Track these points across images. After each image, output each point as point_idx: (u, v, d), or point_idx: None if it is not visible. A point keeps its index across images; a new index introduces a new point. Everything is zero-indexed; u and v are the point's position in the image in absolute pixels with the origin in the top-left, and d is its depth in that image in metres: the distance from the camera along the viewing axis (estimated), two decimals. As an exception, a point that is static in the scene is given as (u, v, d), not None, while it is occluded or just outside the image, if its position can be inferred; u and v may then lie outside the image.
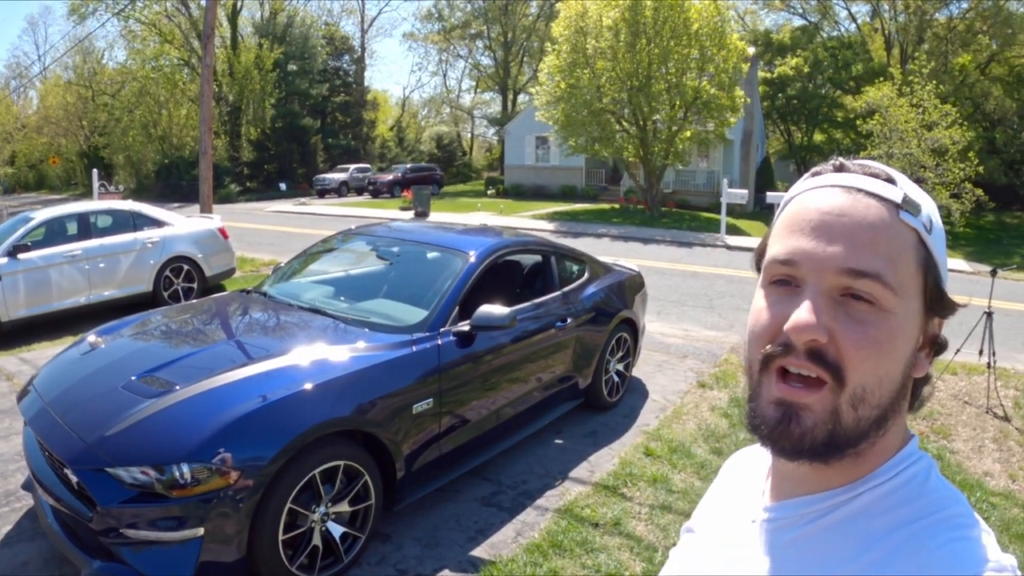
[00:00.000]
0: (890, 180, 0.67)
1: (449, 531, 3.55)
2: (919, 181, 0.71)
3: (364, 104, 44.98)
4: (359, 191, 32.69)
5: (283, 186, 33.04)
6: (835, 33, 39.68)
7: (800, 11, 40.84)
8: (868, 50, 36.53)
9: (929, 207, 0.67)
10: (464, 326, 3.70)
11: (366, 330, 3.57)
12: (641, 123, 20.67)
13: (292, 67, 37.64)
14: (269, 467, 2.62)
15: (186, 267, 8.86)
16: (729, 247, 16.39)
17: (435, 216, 20.81)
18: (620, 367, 5.59)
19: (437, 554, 3.33)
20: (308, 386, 2.90)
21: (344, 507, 2.96)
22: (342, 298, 4.19)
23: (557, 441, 4.83)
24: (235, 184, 32.23)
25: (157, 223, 8.78)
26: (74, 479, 2.64)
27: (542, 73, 21.74)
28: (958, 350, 5.81)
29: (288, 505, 2.69)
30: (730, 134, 24.31)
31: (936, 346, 0.70)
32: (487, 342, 3.85)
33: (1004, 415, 5.79)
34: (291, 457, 2.69)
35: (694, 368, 6.75)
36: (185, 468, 2.51)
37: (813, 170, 0.73)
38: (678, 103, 19.87)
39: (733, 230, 18.88)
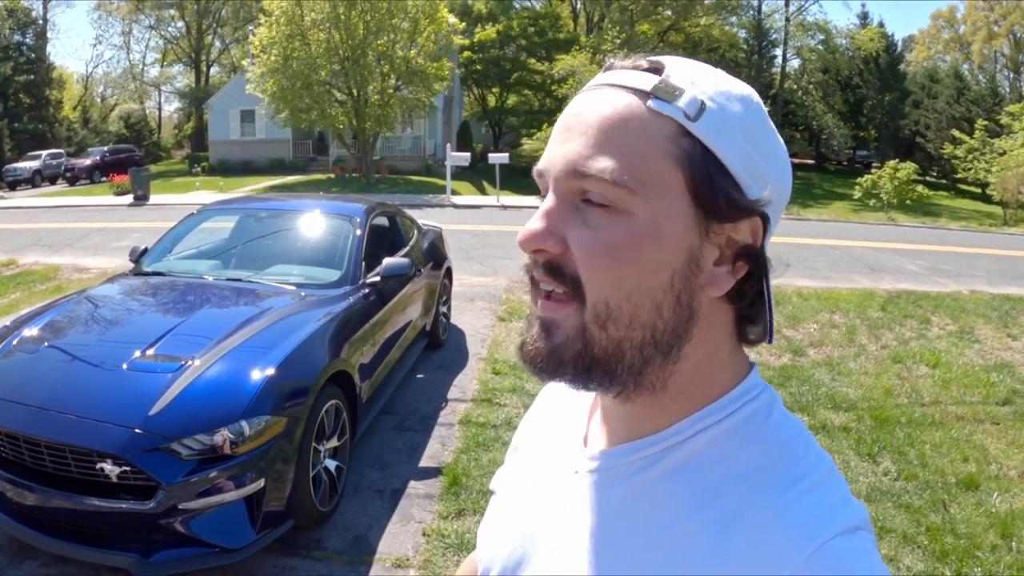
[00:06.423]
0: (655, 68, 0.56)
1: (390, 454, 4.12)
2: None
3: (49, 83, 39.45)
4: (53, 179, 29.30)
5: None
6: (528, 3, 43.54)
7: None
8: (560, 18, 40.79)
9: (707, 90, 0.55)
10: (375, 277, 4.21)
11: (295, 289, 3.88)
12: (355, 94, 21.04)
13: (-29, 45, 31.57)
14: (305, 406, 2.94)
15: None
16: (456, 206, 17.89)
17: (156, 199, 18.68)
18: (444, 310, 6.44)
19: (394, 472, 3.90)
20: (305, 337, 3.21)
21: (334, 442, 3.37)
22: (238, 269, 4.29)
23: (419, 376, 5.54)
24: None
25: None
26: (115, 471, 2.54)
27: (254, 45, 20.76)
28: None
29: (312, 444, 3.03)
30: (434, 101, 25.89)
31: (749, 258, 0.55)
32: (388, 289, 4.41)
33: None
34: (315, 397, 3.04)
35: (486, 308, 7.83)
36: (245, 424, 2.68)
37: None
38: (390, 73, 20.63)
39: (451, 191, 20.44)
